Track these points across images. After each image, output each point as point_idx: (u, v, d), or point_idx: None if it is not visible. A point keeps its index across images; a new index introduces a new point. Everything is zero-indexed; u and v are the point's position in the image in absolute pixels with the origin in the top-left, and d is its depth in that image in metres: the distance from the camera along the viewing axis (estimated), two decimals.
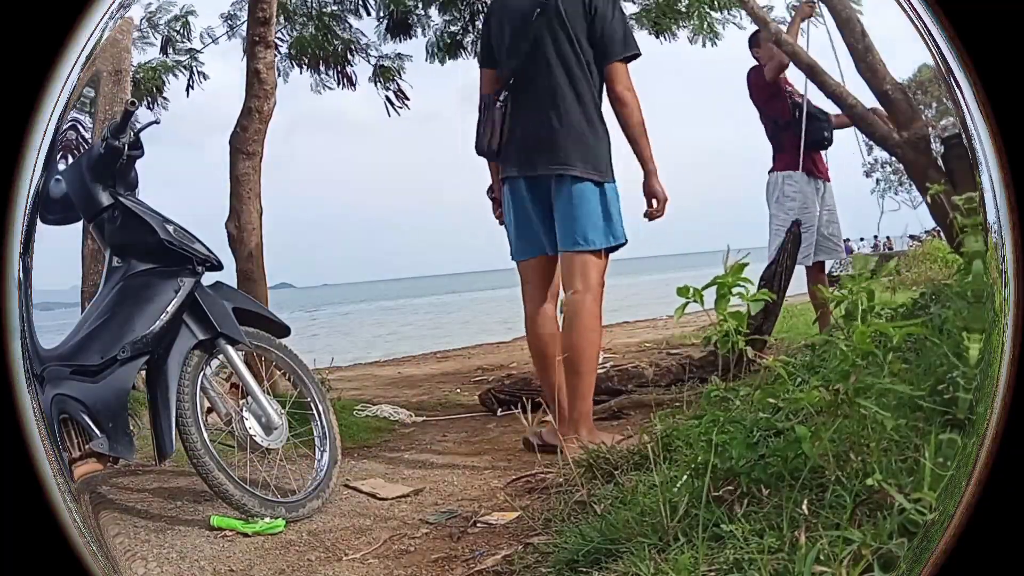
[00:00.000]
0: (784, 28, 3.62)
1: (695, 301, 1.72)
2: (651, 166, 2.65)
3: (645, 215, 2.70)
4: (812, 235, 3.81)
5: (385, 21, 5.28)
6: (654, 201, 2.67)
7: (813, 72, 3.42)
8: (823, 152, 3.88)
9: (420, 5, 5.30)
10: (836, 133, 3.80)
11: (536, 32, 2.59)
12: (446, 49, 5.32)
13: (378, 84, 5.26)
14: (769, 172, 3.91)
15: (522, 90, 2.63)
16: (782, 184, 3.83)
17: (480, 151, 2.72)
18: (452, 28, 5.38)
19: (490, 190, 2.86)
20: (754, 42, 3.96)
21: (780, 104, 3.84)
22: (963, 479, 1.22)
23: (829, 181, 3.91)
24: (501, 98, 2.62)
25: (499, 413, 3.66)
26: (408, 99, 5.30)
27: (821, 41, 3.68)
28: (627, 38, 2.66)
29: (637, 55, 2.66)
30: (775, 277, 3.65)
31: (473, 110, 2.79)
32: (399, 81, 5.23)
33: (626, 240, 2.70)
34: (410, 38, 5.34)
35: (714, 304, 1.73)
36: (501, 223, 2.80)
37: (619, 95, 2.63)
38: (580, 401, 2.60)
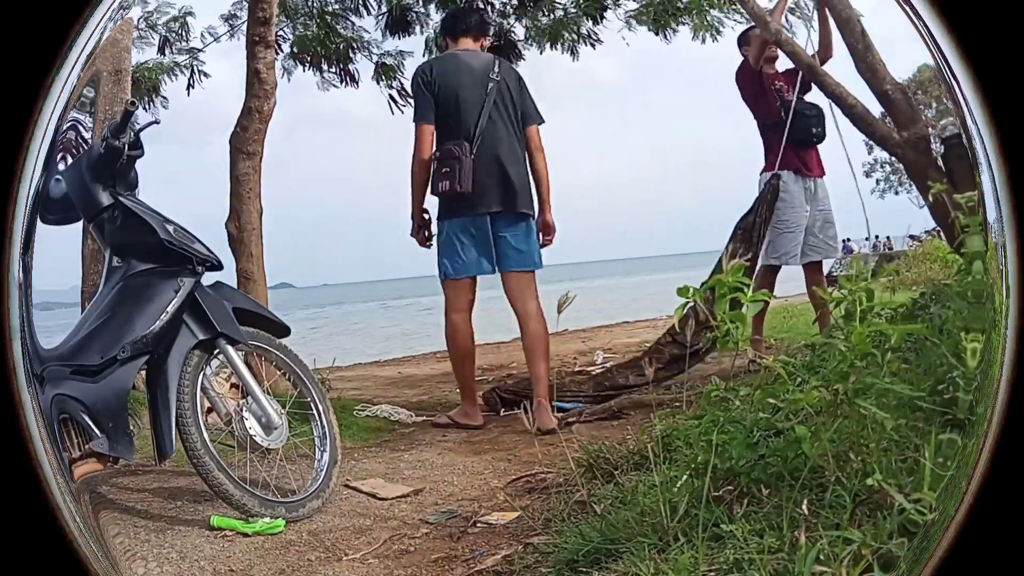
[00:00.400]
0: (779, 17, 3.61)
1: (695, 301, 1.73)
2: (549, 204, 3.37)
3: (540, 244, 3.38)
4: (799, 234, 3.79)
5: (385, 18, 5.28)
6: (548, 231, 3.40)
7: (813, 72, 3.42)
8: (818, 147, 3.86)
9: (420, 2, 5.31)
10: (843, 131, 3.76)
11: (491, 100, 3.25)
12: (444, 47, 5.32)
13: (380, 82, 5.26)
14: (760, 172, 3.90)
15: (484, 145, 3.23)
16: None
17: (449, 194, 3.22)
18: None
19: (416, 215, 3.37)
20: (743, 41, 3.95)
21: (767, 103, 3.82)
22: (963, 479, 1.22)
23: (823, 177, 3.87)
24: (474, 151, 3.20)
25: (502, 413, 3.65)
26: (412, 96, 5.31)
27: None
28: (537, 109, 3.41)
29: (543, 122, 3.42)
30: (752, 227, 3.64)
31: None
32: (402, 79, 5.23)
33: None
34: (410, 35, 5.34)
35: (715, 304, 1.73)
36: (423, 243, 3.38)
37: (539, 146, 3.36)
38: (543, 384, 3.26)
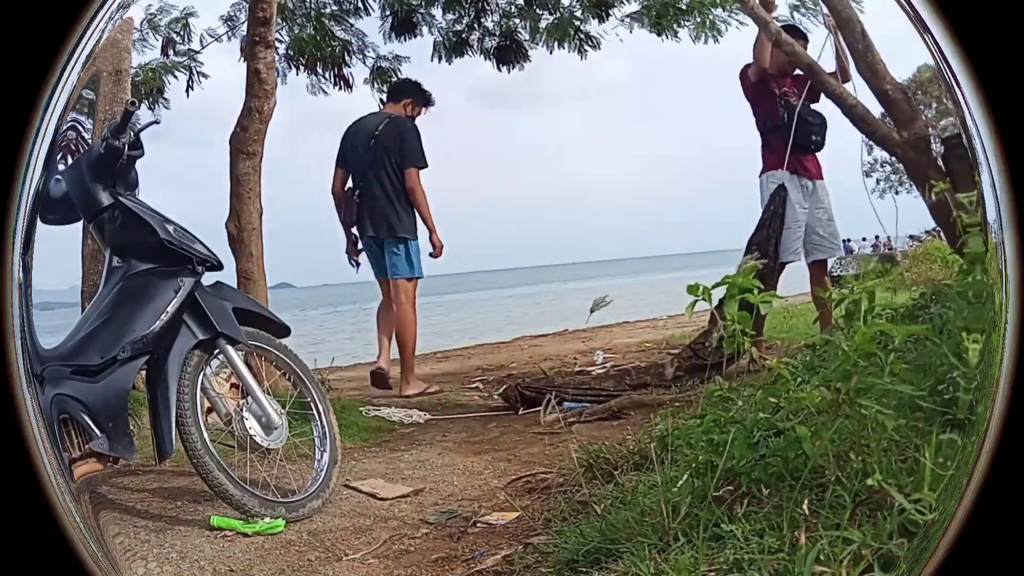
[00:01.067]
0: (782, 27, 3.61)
1: (703, 299, 1.74)
2: (431, 225, 4.26)
3: (431, 256, 4.29)
4: (798, 231, 3.79)
5: (390, 20, 5.27)
6: (434, 248, 4.29)
7: (813, 72, 3.42)
8: (817, 156, 3.85)
9: (424, 4, 5.30)
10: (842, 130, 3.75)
11: (371, 153, 4.18)
12: (452, 48, 5.31)
13: (374, 86, 5.25)
14: (759, 175, 3.89)
15: (365, 188, 4.21)
16: (767, 184, 3.83)
17: (342, 225, 4.32)
18: (457, 27, 5.38)
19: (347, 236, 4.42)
20: (757, 44, 3.95)
21: (770, 105, 3.82)
22: (963, 479, 1.22)
23: (821, 179, 3.88)
24: (357, 192, 4.22)
25: (520, 412, 3.61)
26: None
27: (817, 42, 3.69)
28: (417, 154, 4.20)
29: (424, 166, 4.21)
30: (767, 241, 3.66)
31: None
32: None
33: (422, 275, 4.30)
34: (415, 37, 5.34)
35: (723, 304, 1.74)
36: (351, 262, 4.44)
37: (412, 186, 4.19)
38: (406, 364, 4.27)
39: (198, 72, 4.88)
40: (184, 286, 2.29)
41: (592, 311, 2.88)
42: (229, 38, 4.86)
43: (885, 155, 3.78)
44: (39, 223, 1.51)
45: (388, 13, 5.25)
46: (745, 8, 3.84)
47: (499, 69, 5.39)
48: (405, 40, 5.31)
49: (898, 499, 1.30)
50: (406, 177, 4.19)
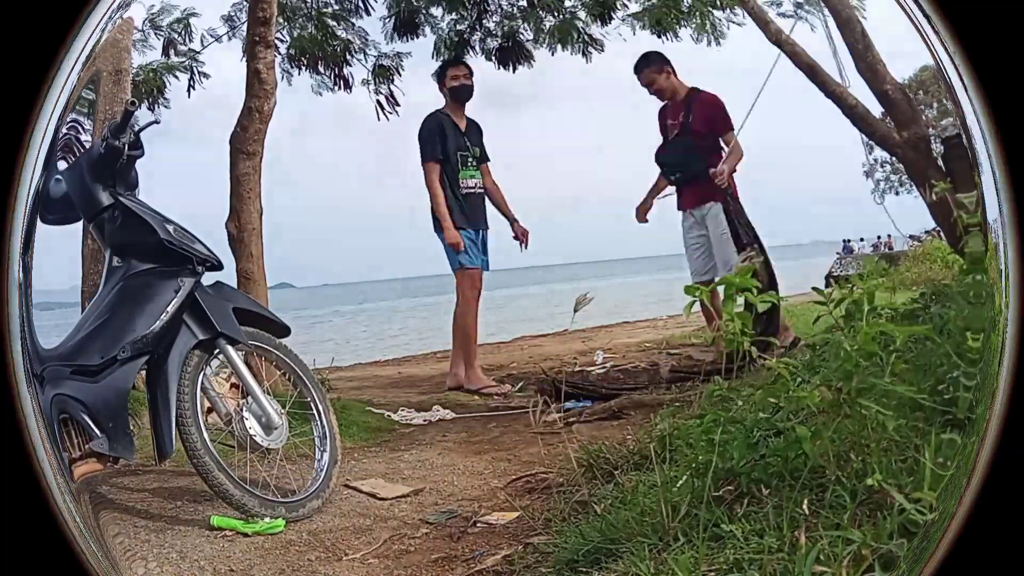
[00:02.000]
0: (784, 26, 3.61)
1: (702, 300, 1.75)
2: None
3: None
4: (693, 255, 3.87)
5: (392, 20, 5.27)
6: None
7: (813, 72, 3.42)
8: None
9: (427, 4, 5.30)
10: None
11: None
12: (452, 48, 5.31)
13: (374, 84, 5.24)
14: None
15: None
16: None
17: None
18: (459, 27, 5.38)
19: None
20: (643, 65, 3.96)
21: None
22: (963, 479, 1.22)
23: (701, 206, 3.86)
24: None
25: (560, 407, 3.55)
26: (399, 104, 5.31)
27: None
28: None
29: (425, 159, 4.26)
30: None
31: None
32: (392, 87, 5.22)
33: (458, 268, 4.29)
34: (417, 37, 5.34)
35: (721, 304, 1.74)
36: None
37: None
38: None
39: (199, 72, 4.89)
40: (184, 286, 2.29)
41: (576, 310, 2.87)
42: (230, 38, 4.86)
43: (885, 155, 3.79)
44: (39, 223, 1.51)
45: (391, 13, 5.24)
46: (745, 7, 3.84)
47: (504, 69, 5.40)
48: (407, 40, 5.32)
49: (898, 499, 1.30)
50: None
